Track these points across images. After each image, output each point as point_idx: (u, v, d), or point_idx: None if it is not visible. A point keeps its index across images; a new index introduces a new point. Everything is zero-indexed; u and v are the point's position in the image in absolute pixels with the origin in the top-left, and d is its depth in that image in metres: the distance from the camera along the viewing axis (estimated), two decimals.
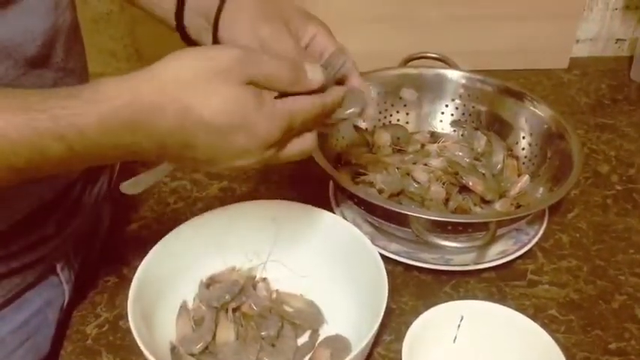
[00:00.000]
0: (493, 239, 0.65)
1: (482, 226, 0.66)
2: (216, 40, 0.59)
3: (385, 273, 0.60)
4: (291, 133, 0.49)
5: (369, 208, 0.70)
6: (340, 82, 0.55)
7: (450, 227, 0.66)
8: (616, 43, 1.15)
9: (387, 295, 0.58)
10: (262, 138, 0.47)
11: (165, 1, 0.62)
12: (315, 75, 0.50)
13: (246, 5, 0.57)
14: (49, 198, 0.63)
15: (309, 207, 0.68)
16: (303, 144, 0.51)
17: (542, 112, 0.81)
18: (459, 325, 0.60)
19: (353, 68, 0.56)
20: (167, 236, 0.63)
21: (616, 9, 1.11)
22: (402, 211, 0.66)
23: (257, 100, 0.47)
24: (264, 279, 0.68)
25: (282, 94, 0.48)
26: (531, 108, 0.82)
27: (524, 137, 0.83)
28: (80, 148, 0.45)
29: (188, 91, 0.45)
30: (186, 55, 0.47)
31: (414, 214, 0.65)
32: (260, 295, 0.66)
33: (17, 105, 0.44)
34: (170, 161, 0.51)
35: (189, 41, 0.63)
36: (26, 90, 0.46)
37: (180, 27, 0.62)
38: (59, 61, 0.59)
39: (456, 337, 0.60)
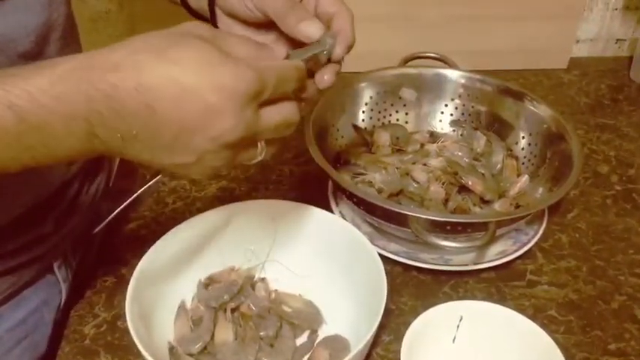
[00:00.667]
0: (492, 239, 0.65)
1: (482, 226, 0.65)
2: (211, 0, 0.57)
3: (384, 273, 0.60)
4: (265, 92, 0.45)
5: (368, 208, 0.70)
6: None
7: (449, 227, 0.66)
8: (616, 43, 1.15)
9: (386, 295, 0.58)
10: (231, 89, 0.42)
11: None
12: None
13: None
14: (45, 196, 0.63)
15: (308, 207, 0.67)
16: (283, 110, 0.47)
17: (541, 112, 0.81)
18: (458, 326, 0.60)
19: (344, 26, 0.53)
20: (165, 236, 0.63)
21: (616, 9, 1.11)
22: (402, 211, 0.66)
23: (220, 52, 0.43)
24: (263, 279, 0.68)
25: None
26: (531, 108, 0.82)
27: (523, 137, 0.83)
28: (32, 119, 0.40)
29: (147, 48, 0.42)
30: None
31: (414, 214, 0.65)
32: (259, 295, 0.66)
33: None
34: (133, 152, 0.44)
35: (190, 10, 0.62)
36: None
37: None
38: (53, 56, 0.58)
39: (455, 338, 0.60)
